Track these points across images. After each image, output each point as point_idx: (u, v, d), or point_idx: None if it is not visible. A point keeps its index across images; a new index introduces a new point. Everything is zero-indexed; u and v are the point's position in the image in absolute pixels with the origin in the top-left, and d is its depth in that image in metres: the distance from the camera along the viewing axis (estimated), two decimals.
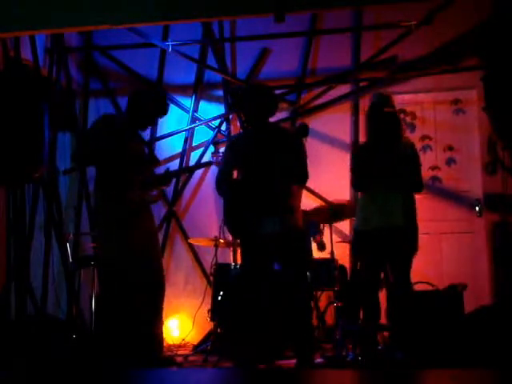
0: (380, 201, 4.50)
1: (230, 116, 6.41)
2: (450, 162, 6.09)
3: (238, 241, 5.94)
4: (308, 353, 4.41)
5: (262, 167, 4.36)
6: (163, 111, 4.66)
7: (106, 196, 4.50)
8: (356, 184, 4.71)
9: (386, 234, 4.47)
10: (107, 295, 4.50)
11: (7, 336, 4.73)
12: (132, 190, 4.49)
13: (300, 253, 4.46)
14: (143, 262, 4.48)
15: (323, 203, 5.96)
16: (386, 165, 4.49)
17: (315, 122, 6.21)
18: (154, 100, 4.62)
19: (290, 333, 4.50)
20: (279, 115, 6.15)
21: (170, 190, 6.31)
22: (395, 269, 4.52)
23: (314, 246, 5.69)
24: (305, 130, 4.44)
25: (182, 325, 6.05)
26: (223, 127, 6.40)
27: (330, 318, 5.51)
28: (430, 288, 4.99)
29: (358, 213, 4.68)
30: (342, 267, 5.43)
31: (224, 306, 5.11)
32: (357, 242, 4.67)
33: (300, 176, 4.45)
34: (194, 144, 6.48)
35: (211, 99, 6.51)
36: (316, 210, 5.46)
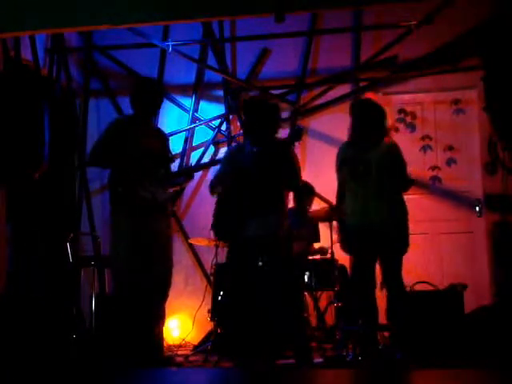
0: (362, 199, 4.50)
1: (230, 116, 6.41)
2: (450, 162, 6.08)
3: None
4: (304, 353, 4.40)
5: (254, 180, 4.39)
6: (158, 91, 4.80)
7: (116, 195, 4.53)
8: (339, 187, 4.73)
9: (368, 233, 4.46)
10: (115, 294, 4.53)
11: (7, 336, 4.73)
12: (143, 189, 4.50)
13: (284, 253, 4.47)
14: (146, 264, 4.48)
15: (323, 202, 5.97)
16: (367, 164, 4.49)
17: (315, 122, 6.21)
18: (147, 83, 4.83)
19: (287, 333, 4.50)
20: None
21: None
22: (384, 268, 4.51)
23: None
24: (299, 134, 4.46)
25: (182, 325, 6.05)
26: (223, 127, 6.40)
27: (330, 318, 5.51)
28: (430, 288, 4.99)
29: (346, 208, 4.70)
30: (342, 267, 5.43)
31: (224, 306, 5.11)
32: (343, 239, 4.67)
33: (294, 186, 4.52)
34: (194, 144, 6.48)
35: (211, 99, 6.51)
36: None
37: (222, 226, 4.53)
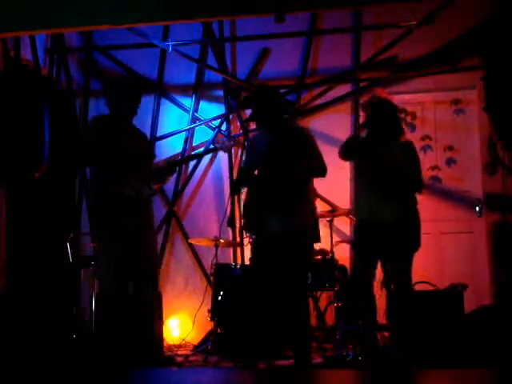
0: (375, 197, 4.49)
1: (230, 116, 6.42)
2: (450, 162, 6.08)
3: (238, 240, 5.97)
4: (304, 353, 4.40)
5: (277, 167, 4.37)
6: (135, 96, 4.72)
7: (100, 192, 4.52)
8: (343, 152, 4.67)
9: (378, 230, 4.45)
10: (102, 292, 4.54)
11: (7, 336, 4.73)
12: (127, 186, 4.49)
13: (305, 253, 4.47)
14: (134, 261, 4.47)
15: (322, 202, 5.98)
16: (381, 161, 4.48)
17: (315, 122, 6.21)
18: (123, 83, 4.80)
19: (289, 332, 4.50)
20: None
21: (170, 189, 6.32)
22: (393, 266, 4.50)
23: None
24: None
25: (182, 325, 6.05)
26: (223, 127, 6.40)
27: (330, 318, 5.51)
28: (430, 288, 4.99)
29: (354, 206, 4.70)
30: (342, 267, 5.43)
31: (224, 306, 5.11)
32: (354, 234, 4.67)
33: (319, 170, 4.48)
34: (194, 144, 6.48)
35: (211, 99, 6.51)
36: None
37: (251, 220, 4.51)
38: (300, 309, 4.38)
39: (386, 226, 4.43)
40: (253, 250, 4.60)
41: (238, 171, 4.68)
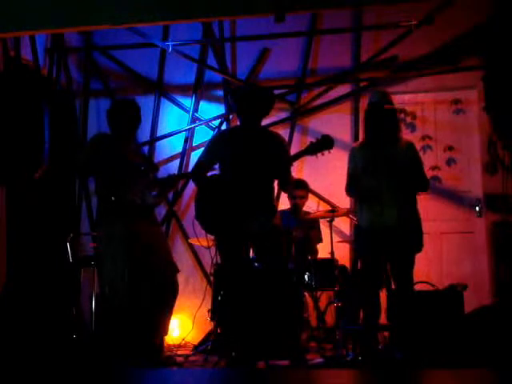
0: (378, 199, 4.48)
1: (230, 116, 6.42)
2: (450, 161, 6.09)
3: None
4: (297, 353, 4.40)
5: (250, 167, 4.38)
6: (134, 118, 4.65)
7: (107, 203, 4.51)
8: (349, 190, 4.70)
9: (384, 233, 4.45)
10: (105, 297, 4.52)
11: (7, 336, 4.73)
12: (132, 193, 4.49)
13: (280, 251, 4.49)
14: (143, 265, 4.47)
15: (322, 202, 5.98)
16: (384, 164, 4.48)
17: (315, 122, 6.22)
18: (122, 110, 4.65)
19: (280, 333, 4.50)
20: (280, 115, 6.17)
21: None
22: (395, 268, 4.50)
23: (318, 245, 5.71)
24: (330, 142, 4.34)
25: (182, 325, 6.04)
26: (223, 127, 6.40)
27: (330, 318, 5.51)
28: (430, 288, 4.99)
29: (357, 209, 4.68)
30: (342, 267, 5.43)
31: (223, 306, 5.11)
32: (357, 239, 4.66)
33: (284, 179, 4.54)
34: (194, 144, 6.48)
35: (211, 99, 6.51)
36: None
37: (216, 220, 4.51)
38: (291, 306, 4.40)
39: (393, 229, 4.43)
40: (221, 251, 4.58)
41: (197, 161, 4.67)
